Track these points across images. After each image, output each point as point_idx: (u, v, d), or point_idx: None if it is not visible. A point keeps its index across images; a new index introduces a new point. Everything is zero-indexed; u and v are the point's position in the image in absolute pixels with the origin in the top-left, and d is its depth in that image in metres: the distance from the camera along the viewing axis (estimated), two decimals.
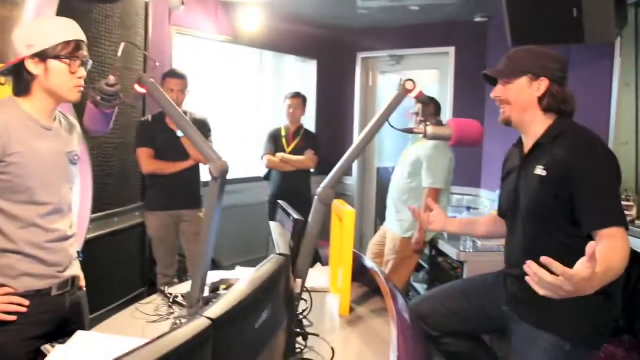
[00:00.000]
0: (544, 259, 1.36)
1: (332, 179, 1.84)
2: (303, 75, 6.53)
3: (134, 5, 4.19)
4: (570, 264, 1.76)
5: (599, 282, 1.50)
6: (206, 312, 0.89)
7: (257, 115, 5.99)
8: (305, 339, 1.70)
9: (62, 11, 3.25)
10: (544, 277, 1.38)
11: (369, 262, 2.41)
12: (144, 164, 3.74)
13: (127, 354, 0.76)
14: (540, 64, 1.97)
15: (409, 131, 1.97)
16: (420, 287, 4.88)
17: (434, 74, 6.28)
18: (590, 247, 1.40)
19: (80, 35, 1.88)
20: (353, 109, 6.48)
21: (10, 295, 1.81)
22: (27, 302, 1.83)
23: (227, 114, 5.47)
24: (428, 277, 4.50)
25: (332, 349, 1.58)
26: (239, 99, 5.70)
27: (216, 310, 0.91)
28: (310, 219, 1.84)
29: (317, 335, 1.74)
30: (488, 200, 5.10)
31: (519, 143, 2.12)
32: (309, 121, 5.97)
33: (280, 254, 1.28)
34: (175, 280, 3.99)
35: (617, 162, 1.88)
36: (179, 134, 3.64)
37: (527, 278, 1.44)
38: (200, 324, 0.87)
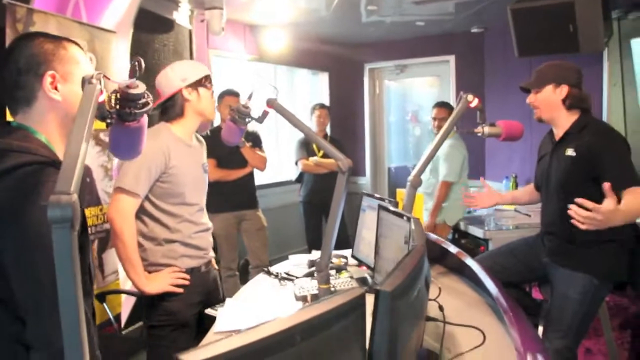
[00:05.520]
0: (578, 200, 2.07)
1: (419, 169, 2.45)
2: (314, 86, 7.15)
3: (182, 33, 4.77)
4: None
5: (623, 216, 2.19)
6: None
7: (275, 125, 6.58)
8: None
9: (134, 42, 3.84)
10: (581, 213, 2.06)
11: (432, 235, 3.03)
12: (210, 172, 4.28)
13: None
14: (560, 74, 2.65)
15: (470, 132, 2.58)
16: None
17: (433, 80, 6.94)
18: (605, 185, 2.08)
19: (209, 70, 2.49)
20: (363, 115, 7.13)
21: (177, 272, 2.37)
22: (188, 277, 2.38)
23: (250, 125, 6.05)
24: None
25: (439, 288, 2.18)
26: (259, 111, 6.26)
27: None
28: (405, 202, 2.45)
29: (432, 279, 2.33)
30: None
31: (550, 133, 2.79)
32: None
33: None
34: (237, 273, 4.55)
35: (627, 142, 2.58)
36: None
37: (572, 221, 2.12)
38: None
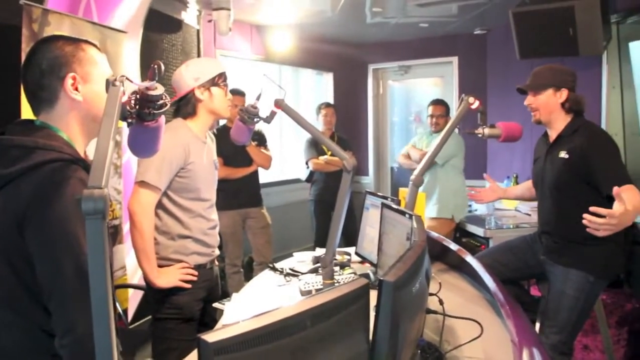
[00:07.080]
0: (591, 209, 2.10)
1: (421, 169, 2.51)
2: (319, 86, 7.23)
3: (190, 33, 4.85)
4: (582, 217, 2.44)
5: (633, 215, 2.23)
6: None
7: (279, 124, 6.67)
8: None
9: (144, 42, 3.91)
10: (597, 220, 2.11)
11: (433, 233, 3.11)
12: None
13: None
14: (560, 78, 2.73)
15: (471, 133, 2.66)
16: None
17: (436, 81, 7.01)
18: (615, 190, 2.13)
19: (224, 67, 2.54)
20: (367, 115, 7.22)
21: (187, 268, 2.43)
22: (196, 273, 2.44)
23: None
24: None
25: (440, 283, 2.25)
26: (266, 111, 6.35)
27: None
28: (407, 200, 2.52)
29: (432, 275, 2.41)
30: None
31: (545, 135, 2.87)
32: None
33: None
34: (241, 270, 4.63)
35: (615, 142, 2.68)
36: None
37: (588, 229, 2.16)
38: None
